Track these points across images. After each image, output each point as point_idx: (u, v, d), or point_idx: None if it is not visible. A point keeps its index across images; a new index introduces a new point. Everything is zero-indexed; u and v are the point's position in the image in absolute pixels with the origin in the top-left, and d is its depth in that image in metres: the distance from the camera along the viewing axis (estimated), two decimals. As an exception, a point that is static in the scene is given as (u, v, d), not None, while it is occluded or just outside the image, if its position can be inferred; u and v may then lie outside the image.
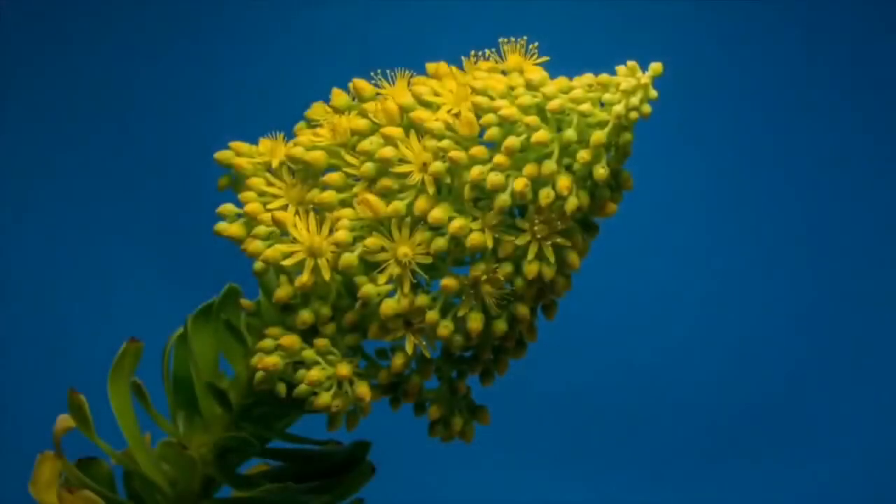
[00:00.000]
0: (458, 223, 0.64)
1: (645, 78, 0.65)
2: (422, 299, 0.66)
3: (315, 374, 0.67)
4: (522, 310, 0.66)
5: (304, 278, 0.66)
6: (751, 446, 1.39)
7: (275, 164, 0.69)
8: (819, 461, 1.38)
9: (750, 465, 1.39)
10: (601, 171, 0.64)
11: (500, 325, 0.66)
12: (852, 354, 1.41)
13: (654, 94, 0.65)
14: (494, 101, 0.65)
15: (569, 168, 0.65)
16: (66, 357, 1.33)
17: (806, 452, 1.38)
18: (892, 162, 1.43)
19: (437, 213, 0.65)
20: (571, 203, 0.64)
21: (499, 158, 0.64)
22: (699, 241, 1.41)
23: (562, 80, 0.66)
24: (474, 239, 0.65)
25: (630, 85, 0.64)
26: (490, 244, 0.65)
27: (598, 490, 1.37)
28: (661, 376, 1.39)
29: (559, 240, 0.65)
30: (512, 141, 0.64)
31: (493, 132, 0.65)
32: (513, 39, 0.68)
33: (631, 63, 0.65)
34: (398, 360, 0.66)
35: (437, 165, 0.65)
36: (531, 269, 0.65)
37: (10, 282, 1.36)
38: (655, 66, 0.65)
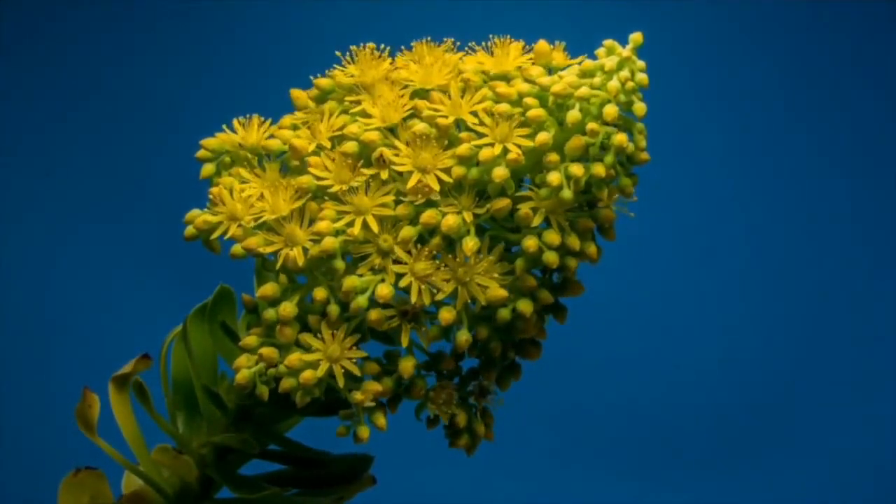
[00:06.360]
0: (428, 214, 0.64)
1: (626, 51, 0.64)
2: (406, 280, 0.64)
3: (294, 357, 0.65)
4: (545, 295, 0.65)
5: (281, 261, 0.64)
6: (750, 447, 1.39)
7: (251, 143, 0.69)
8: (818, 462, 1.38)
9: (749, 467, 1.38)
10: (620, 138, 0.63)
11: (525, 306, 0.65)
12: (851, 355, 1.41)
13: (641, 64, 0.64)
14: (490, 82, 0.65)
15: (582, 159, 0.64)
16: (66, 357, 1.33)
17: (805, 453, 1.38)
18: (891, 162, 1.43)
19: (403, 209, 0.64)
20: (598, 169, 0.63)
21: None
22: (698, 242, 1.41)
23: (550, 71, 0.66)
24: (449, 221, 0.63)
25: (614, 63, 0.64)
26: (469, 220, 0.64)
27: (597, 491, 1.37)
28: (659, 377, 1.39)
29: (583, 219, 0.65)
30: (504, 107, 0.64)
31: (486, 103, 0.64)
32: (506, 38, 0.68)
33: (608, 42, 0.65)
34: (407, 364, 0.65)
35: (420, 127, 0.64)
36: (552, 238, 0.63)
37: (9, 282, 1.36)
38: (635, 37, 0.64)
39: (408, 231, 0.64)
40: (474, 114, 0.65)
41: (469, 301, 0.64)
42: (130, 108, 1.37)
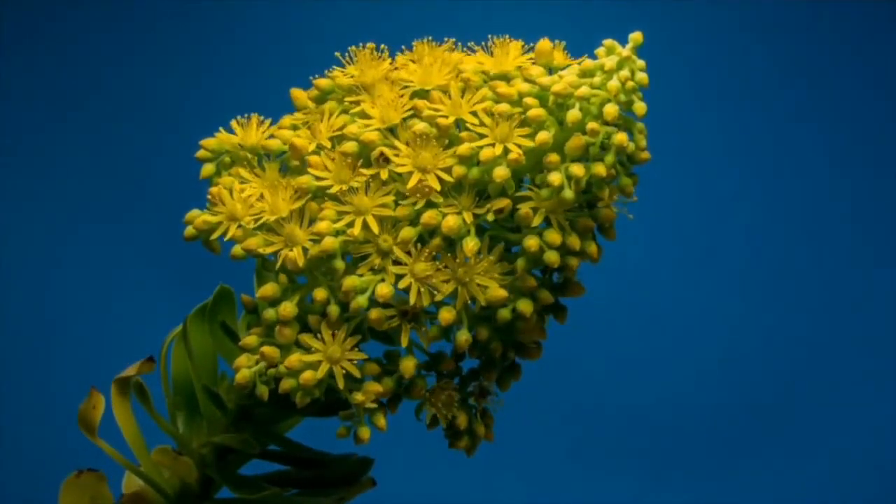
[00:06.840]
0: (428, 214, 0.63)
1: (626, 51, 0.64)
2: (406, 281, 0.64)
3: (294, 358, 0.65)
4: (545, 295, 0.65)
5: (280, 261, 0.65)
6: (750, 447, 1.39)
7: (251, 143, 0.69)
8: (818, 462, 1.38)
9: (749, 467, 1.38)
10: (620, 137, 0.63)
11: (525, 306, 0.65)
12: (851, 355, 1.41)
13: (641, 63, 0.64)
14: (490, 82, 0.65)
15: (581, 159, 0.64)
16: (66, 357, 1.33)
17: (805, 453, 1.38)
18: (891, 162, 1.43)
19: (403, 210, 0.64)
20: (599, 168, 0.63)
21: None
22: (698, 242, 1.41)
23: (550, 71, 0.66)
24: (449, 222, 0.63)
25: (614, 62, 0.64)
26: (469, 220, 0.64)
27: (597, 491, 1.37)
28: (659, 377, 1.39)
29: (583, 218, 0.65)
30: (504, 107, 0.64)
31: (486, 103, 0.64)
32: (506, 37, 0.68)
33: (608, 42, 0.64)
34: (408, 363, 0.65)
35: (420, 126, 0.64)
36: (553, 237, 0.63)
37: (9, 282, 1.36)
38: (634, 37, 0.64)
39: (408, 232, 0.64)
40: (474, 114, 0.65)
41: (469, 301, 0.64)
42: (130, 108, 1.37)
